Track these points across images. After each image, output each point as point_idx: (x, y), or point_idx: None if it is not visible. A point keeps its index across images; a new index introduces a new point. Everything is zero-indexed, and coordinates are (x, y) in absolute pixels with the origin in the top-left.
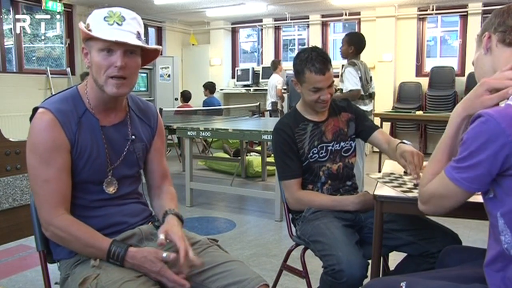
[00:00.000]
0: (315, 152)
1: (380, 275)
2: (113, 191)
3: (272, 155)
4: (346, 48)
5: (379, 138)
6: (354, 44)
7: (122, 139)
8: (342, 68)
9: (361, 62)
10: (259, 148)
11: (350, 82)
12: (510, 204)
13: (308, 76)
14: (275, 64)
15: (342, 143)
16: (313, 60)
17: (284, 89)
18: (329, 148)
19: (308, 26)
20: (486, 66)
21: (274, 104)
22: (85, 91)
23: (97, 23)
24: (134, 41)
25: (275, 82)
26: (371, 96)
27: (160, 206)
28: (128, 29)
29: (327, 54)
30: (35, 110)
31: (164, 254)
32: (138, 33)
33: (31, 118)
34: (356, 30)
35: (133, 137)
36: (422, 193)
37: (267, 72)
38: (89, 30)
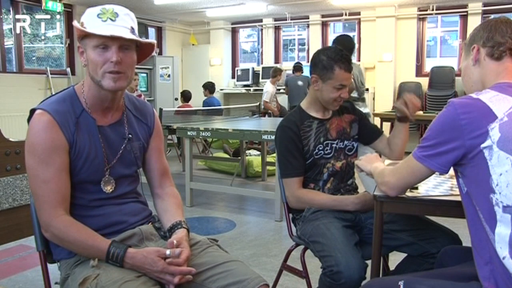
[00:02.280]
0: (320, 148)
1: (380, 275)
2: (111, 190)
3: (272, 155)
4: None
5: (385, 143)
6: (340, 45)
7: (119, 139)
8: None
9: (354, 65)
10: (259, 146)
11: None
12: (476, 190)
13: (337, 73)
14: (275, 73)
15: (345, 142)
16: (343, 58)
17: (283, 89)
18: (334, 145)
19: (308, 26)
20: (475, 76)
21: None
22: (82, 91)
23: (91, 21)
24: (128, 35)
25: (265, 92)
26: (364, 100)
27: (166, 211)
28: (122, 24)
29: None
30: (32, 111)
31: (168, 251)
32: (132, 28)
33: (28, 119)
34: (356, 30)
35: (130, 136)
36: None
37: (267, 72)
38: (84, 28)
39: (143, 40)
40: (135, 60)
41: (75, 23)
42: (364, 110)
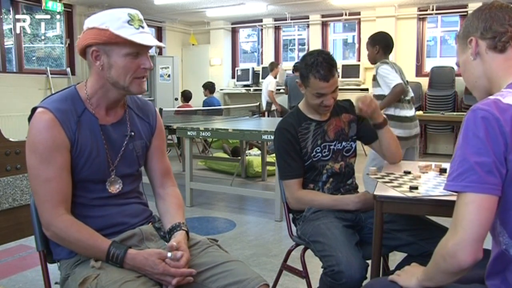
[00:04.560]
0: (318, 151)
1: (380, 275)
2: (118, 190)
3: (273, 155)
4: (371, 51)
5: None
6: (378, 42)
7: (121, 138)
8: (375, 71)
9: (394, 64)
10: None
11: (388, 79)
12: (503, 204)
13: (312, 82)
14: (272, 66)
15: (343, 143)
16: (318, 66)
17: (283, 89)
18: (332, 147)
19: (308, 26)
20: (477, 71)
21: (268, 104)
22: (85, 91)
23: (123, 28)
24: (157, 42)
25: (268, 83)
26: (410, 102)
27: (166, 213)
28: (148, 31)
29: (333, 59)
30: (34, 110)
31: (169, 254)
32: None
33: (29, 118)
34: (356, 30)
35: (132, 133)
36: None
37: (267, 72)
38: (118, 34)
39: (163, 44)
40: None
41: (104, 27)
42: (407, 112)
